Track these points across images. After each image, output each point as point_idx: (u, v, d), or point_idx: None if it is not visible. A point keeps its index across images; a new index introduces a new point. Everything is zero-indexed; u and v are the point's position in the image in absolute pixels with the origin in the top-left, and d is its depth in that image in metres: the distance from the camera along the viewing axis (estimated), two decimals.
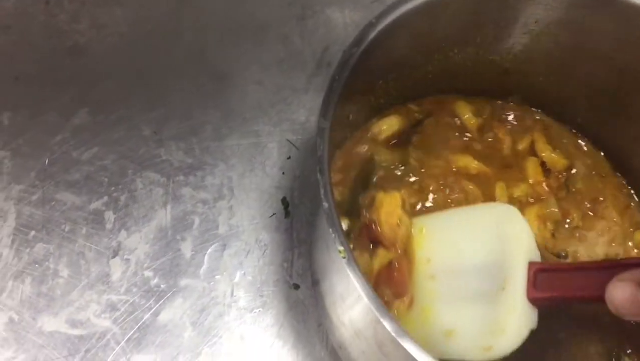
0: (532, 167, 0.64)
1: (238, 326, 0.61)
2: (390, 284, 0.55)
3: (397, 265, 0.56)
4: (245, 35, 0.80)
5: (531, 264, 0.52)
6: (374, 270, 0.56)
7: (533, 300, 0.51)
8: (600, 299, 0.46)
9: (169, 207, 0.67)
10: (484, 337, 0.52)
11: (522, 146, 0.66)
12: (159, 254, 0.64)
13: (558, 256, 0.61)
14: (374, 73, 0.58)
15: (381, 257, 0.56)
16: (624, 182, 0.66)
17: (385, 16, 0.53)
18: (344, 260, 0.43)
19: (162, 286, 0.62)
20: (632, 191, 0.65)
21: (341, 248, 0.43)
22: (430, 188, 0.62)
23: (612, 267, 0.48)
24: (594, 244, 0.62)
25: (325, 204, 0.44)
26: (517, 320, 0.51)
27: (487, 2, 0.57)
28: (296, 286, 0.63)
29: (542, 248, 0.58)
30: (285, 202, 0.68)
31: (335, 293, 0.51)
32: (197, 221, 0.66)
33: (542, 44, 0.62)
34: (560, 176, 0.64)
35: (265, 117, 0.74)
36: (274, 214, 0.68)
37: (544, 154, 0.65)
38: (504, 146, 0.66)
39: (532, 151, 0.66)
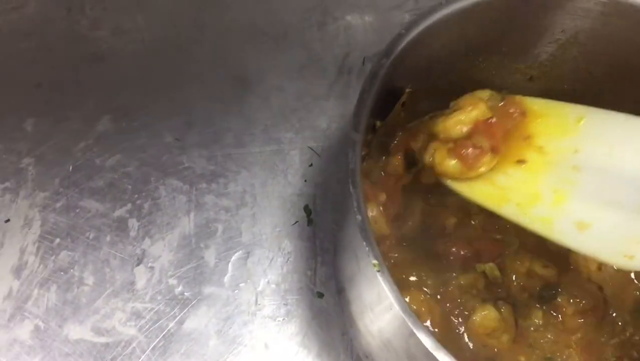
0: None
1: (262, 335, 0.61)
2: (487, 136, 0.56)
3: (494, 121, 0.56)
4: (266, 41, 0.80)
5: None
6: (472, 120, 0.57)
7: None
8: None
9: (192, 215, 0.67)
10: (626, 243, 0.51)
11: None
12: (183, 262, 0.64)
13: None
14: (401, 83, 0.58)
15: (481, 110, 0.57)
16: None
17: (415, 27, 0.52)
18: (379, 273, 0.43)
19: (186, 294, 0.63)
20: None
21: (375, 262, 0.43)
22: None
23: None
24: None
25: (359, 217, 0.44)
26: None
27: (513, 11, 0.57)
28: (320, 295, 0.63)
29: None
30: (307, 210, 0.68)
31: (364, 302, 0.51)
32: (220, 228, 0.66)
33: (568, 53, 0.62)
34: None
35: (287, 124, 0.74)
36: (296, 222, 0.68)
37: None
38: None
39: None
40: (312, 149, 0.72)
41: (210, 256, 0.65)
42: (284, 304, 0.63)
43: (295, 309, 0.63)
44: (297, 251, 0.66)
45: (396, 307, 0.42)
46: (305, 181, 0.70)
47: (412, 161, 0.61)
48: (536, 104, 0.59)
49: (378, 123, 0.59)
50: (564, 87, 0.65)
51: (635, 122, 0.56)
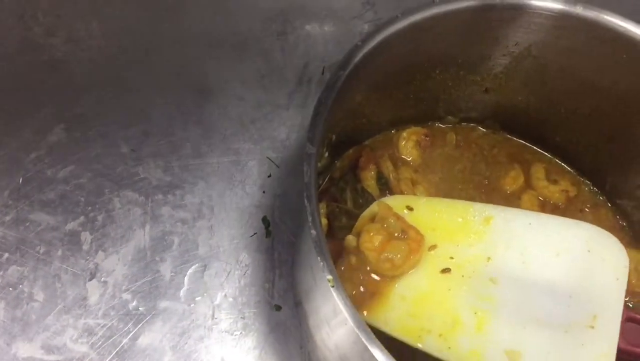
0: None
1: (219, 350, 0.60)
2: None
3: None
4: (226, 50, 0.79)
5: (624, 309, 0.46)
6: None
7: (621, 352, 0.46)
8: None
9: (147, 227, 0.66)
10: None
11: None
12: (137, 276, 0.63)
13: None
14: (358, 95, 0.58)
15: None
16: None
17: (371, 39, 0.52)
18: (333, 288, 0.42)
19: (140, 309, 0.61)
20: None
21: (330, 277, 0.43)
22: None
23: None
24: None
25: (314, 232, 0.44)
26: None
27: (468, 24, 0.58)
28: (278, 308, 0.63)
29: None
30: (266, 221, 0.67)
31: (320, 316, 0.51)
32: (176, 241, 0.65)
33: (522, 66, 0.62)
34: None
35: (246, 134, 0.73)
36: (254, 233, 0.67)
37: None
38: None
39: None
40: (270, 160, 0.71)
41: (165, 269, 0.64)
42: (241, 318, 0.62)
43: (252, 322, 0.62)
44: (255, 263, 0.65)
45: (350, 323, 0.41)
46: (264, 192, 0.69)
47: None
48: (434, 207, 0.56)
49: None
50: (519, 98, 0.66)
51: (541, 218, 0.54)
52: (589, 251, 0.50)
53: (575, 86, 0.62)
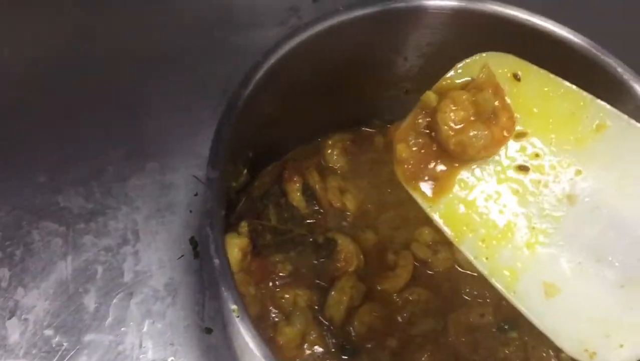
0: None
1: None
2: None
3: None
4: (148, 66, 0.77)
5: None
6: None
7: None
8: None
9: (69, 258, 0.63)
10: (593, 331, 0.41)
11: None
12: (60, 310, 0.61)
13: None
14: (269, 108, 0.56)
15: None
16: None
17: (273, 53, 0.51)
18: (238, 319, 0.41)
19: (64, 344, 0.59)
20: None
21: (235, 307, 0.41)
22: None
23: None
24: None
25: (217, 261, 0.42)
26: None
27: (377, 30, 0.57)
28: (209, 330, 0.61)
29: None
30: (193, 242, 0.66)
31: (239, 341, 0.49)
32: (100, 270, 0.63)
33: (437, 65, 0.62)
34: None
35: (171, 153, 0.71)
36: (182, 255, 0.65)
37: None
38: None
39: None
40: (197, 178, 0.70)
41: (89, 300, 0.62)
42: (170, 344, 0.60)
43: (182, 348, 0.60)
44: (184, 286, 0.64)
45: (257, 354, 0.40)
46: (191, 211, 0.68)
47: None
48: (546, 83, 0.47)
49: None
50: None
51: None
52: None
53: None
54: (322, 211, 0.64)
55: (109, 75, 0.75)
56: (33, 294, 0.61)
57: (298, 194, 0.63)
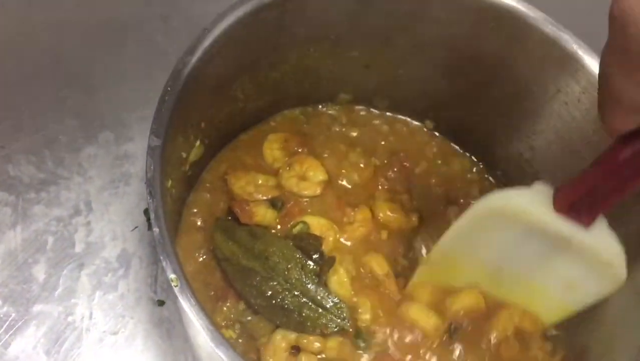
0: None
1: (98, 351, 0.58)
2: None
3: None
4: (105, 36, 0.76)
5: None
6: None
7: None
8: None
9: (18, 228, 0.62)
10: (594, 273, 0.50)
11: None
12: (8, 280, 0.60)
13: None
14: (220, 79, 0.55)
15: None
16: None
17: (221, 20, 0.50)
18: (176, 288, 0.41)
19: (12, 315, 0.58)
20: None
21: (173, 276, 0.41)
22: None
23: None
24: None
25: (156, 230, 0.42)
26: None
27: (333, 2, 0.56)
28: (161, 303, 0.61)
29: None
30: (147, 213, 0.64)
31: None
32: (50, 240, 0.62)
33: (398, 40, 0.61)
34: None
35: (127, 123, 0.70)
36: (136, 227, 0.64)
37: None
38: None
39: None
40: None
41: (39, 271, 0.61)
42: (121, 316, 0.60)
43: (134, 320, 0.60)
44: (137, 258, 0.63)
45: (197, 326, 0.40)
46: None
47: None
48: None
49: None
50: (399, 72, 0.65)
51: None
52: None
53: (454, 54, 0.61)
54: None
55: (62, 46, 0.73)
56: None
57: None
